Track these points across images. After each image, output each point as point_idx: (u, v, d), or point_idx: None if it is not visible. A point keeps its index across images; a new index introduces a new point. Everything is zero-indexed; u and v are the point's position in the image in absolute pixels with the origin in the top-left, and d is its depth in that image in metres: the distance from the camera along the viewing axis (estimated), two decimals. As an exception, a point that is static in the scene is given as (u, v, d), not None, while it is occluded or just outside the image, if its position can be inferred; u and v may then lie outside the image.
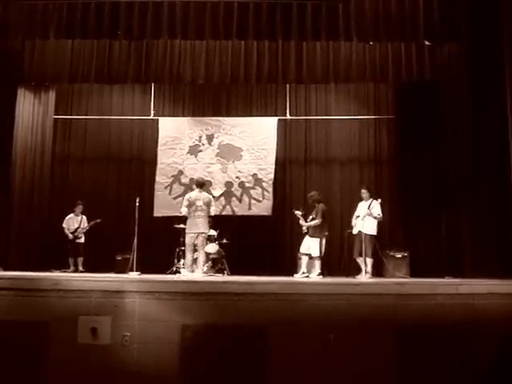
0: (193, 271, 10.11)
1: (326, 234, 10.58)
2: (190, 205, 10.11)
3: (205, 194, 10.39)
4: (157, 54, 11.50)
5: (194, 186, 10.62)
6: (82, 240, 12.04)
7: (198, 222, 10.11)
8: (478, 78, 10.26)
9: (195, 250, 10.24)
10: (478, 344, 6.69)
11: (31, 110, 12.84)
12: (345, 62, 11.31)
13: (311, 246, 10.43)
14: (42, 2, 10.27)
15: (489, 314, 6.82)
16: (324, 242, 10.52)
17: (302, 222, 10.68)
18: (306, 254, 10.47)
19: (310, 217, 10.60)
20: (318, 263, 10.46)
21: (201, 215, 10.12)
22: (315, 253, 10.39)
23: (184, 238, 10.78)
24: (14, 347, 6.68)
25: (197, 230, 10.12)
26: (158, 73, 11.61)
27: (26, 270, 10.00)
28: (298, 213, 10.79)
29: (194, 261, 10.31)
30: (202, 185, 10.49)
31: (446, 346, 6.70)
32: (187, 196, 10.35)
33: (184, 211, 10.18)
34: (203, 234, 10.21)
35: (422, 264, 11.35)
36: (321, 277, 10.25)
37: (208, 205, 10.21)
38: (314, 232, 10.48)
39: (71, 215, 12.09)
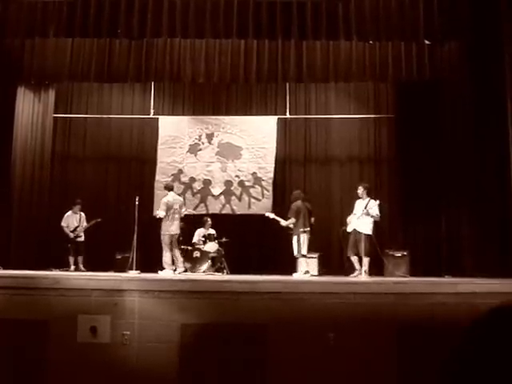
0: (175, 269, 10.60)
1: (301, 230, 10.50)
2: (169, 208, 10.75)
3: (179, 198, 11.36)
4: (157, 52, 11.47)
5: (167, 190, 11.25)
6: (82, 238, 11.95)
7: (176, 223, 10.79)
8: (478, 76, 10.27)
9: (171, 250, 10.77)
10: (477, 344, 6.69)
11: (31, 109, 12.84)
12: (345, 61, 11.29)
13: (293, 244, 10.53)
14: (42, 0, 10.26)
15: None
16: (303, 239, 10.49)
17: (282, 222, 10.72)
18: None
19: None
20: (300, 262, 10.48)
21: (177, 217, 10.82)
22: (294, 251, 10.45)
23: (182, 237, 11.36)
24: (14, 346, 6.68)
25: (175, 230, 10.78)
26: (158, 71, 11.59)
27: (26, 269, 9.99)
28: (269, 215, 10.91)
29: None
30: (172, 188, 11.33)
31: (446, 345, 6.69)
32: (165, 200, 10.93)
33: (162, 214, 10.70)
34: (176, 235, 10.87)
35: (422, 263, 11.35)
36: (308, 275, 10.22)
37: (181, 207, 11.00)
38: (293, 230, 10.59)
39: (69, 213, 11.98)
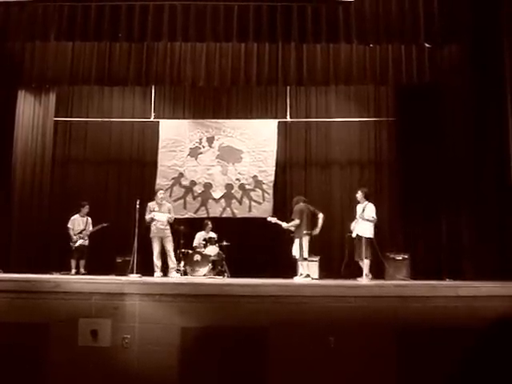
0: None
1: (304, 232, 10.51)
2: None
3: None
4: (157, 56, 11.51)
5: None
6: (87, 242, 11.88)
7: None
8: (478, 80, 10.28)
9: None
10: (478, 346, 6.69)
11: (31, 112, 12.85)
12: (345, 64, 11.31)
13: (294, 247, 10.52)
14: (43, 4, 10.28)
15: (489, 316, 6.81)
16: (305, 242, 10.50)
17: (284, 225, 10.72)
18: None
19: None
20: (300, 265, 10.47)
21: None
22: (296, 254, 10.46)
23: (184, 240, 11.66)
24: (15, 349, 6.68)
25: None
26: (159, 75, 11.62)
27: (27, 272, 9.99)
28: (272, 219, 10.91)
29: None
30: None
31: (446, 348, 6.69)
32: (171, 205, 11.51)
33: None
34: None
35: (423, 266, 11.35)
36: (309, 279, 10.23)
37: None
38: (294, 233, 10.59)
39: (76, 216, 11.95)
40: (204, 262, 11.34)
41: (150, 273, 10.65)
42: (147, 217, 11.07)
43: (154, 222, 11.09)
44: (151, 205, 11.24)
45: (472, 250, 10.39)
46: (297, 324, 6.78)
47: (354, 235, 10.77)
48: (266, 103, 13.65)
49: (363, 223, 10.54)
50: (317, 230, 10.60)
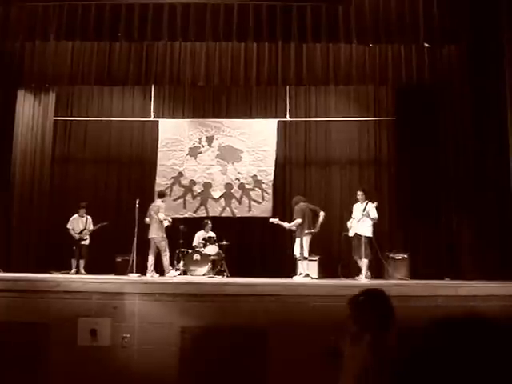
0: (152, 275, 10.70)
1: (306, 232, 10.53)
2: (148, 215, 11.10)
3: (155, 204, 11.21)
4: (157, 55, 11.51)
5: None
6: (87, 242, 11.87)
7: (151, 228, 10.98)
8: (477, 80, 10.29)
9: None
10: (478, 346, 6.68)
11: (31, 112, 12.84)
12: (345, 64, 11.31)
13: (295, 246, 10.53)
14: (43, 3, 10.28)
15: (489, 316, 6.82)
16: (306, 241, 10.50)
17: (286, 224, 10.73)
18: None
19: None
20: (300, 264, 10.47)
21: (152, 222, 10.97)
22: (296, 253, 10.46)
23: (183, 239, 11.60)
24: (14, 349, 6.68)
25: (148, 235, 10.95)
26: (158, 74, 11.63)
27: (26, 272, 10.00)
28: (274, 220, 10.92)
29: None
30: (161, 196, 11.46)
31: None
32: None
33: (146, 220, 11.08)
34: (155, 239, 10.93)
35: (422, 266, 11.35)
36: (308, 278, 10.23)
37: (156, 212, 10.98)
38: (296, 232, 10.58)
39: (75, 216, 11.93)
40: (203, 261, 11.34)
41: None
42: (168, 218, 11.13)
43: (166, 223, 11.04)
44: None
45: (472, 250, 10.39)
46: (296, 323, 6.78)
47: (351, 234, 10.76)
48: (266, 103, 13.64)
49: (365, 222, 10.54)
50: (317, 227, 10.62)
